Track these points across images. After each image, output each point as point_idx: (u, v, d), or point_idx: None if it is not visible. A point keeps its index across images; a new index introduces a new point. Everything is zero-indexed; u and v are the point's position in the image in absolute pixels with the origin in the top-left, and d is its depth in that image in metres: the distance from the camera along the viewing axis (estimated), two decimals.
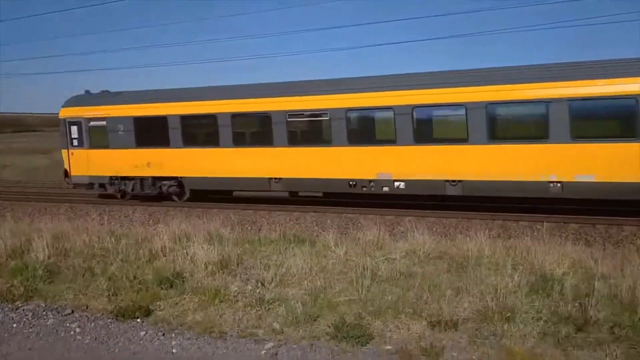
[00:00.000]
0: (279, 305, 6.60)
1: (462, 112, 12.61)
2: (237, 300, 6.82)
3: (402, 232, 10.27)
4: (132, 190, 16.93)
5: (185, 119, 15.71)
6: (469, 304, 6.41)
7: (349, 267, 7.97)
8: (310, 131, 14.82)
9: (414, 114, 13.16)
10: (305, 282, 7.23)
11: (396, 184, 13.51)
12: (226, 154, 15.23)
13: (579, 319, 5.70)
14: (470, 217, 12.91)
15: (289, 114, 14.41)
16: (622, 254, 8.12)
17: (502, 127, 13.04)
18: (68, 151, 17.67)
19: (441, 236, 10.75)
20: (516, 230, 11.20)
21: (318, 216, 13.97)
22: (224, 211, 15.14)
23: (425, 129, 13.48)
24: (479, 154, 12.55)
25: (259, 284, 7.19)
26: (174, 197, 16.65)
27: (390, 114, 13.45)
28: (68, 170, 17.76)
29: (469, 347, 5.57)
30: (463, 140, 12.72)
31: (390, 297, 6.69)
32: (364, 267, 7.65)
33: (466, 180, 12.78)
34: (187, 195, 16.43)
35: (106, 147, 17.01)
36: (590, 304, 5.88)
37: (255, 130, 15.68)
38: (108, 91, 18.53)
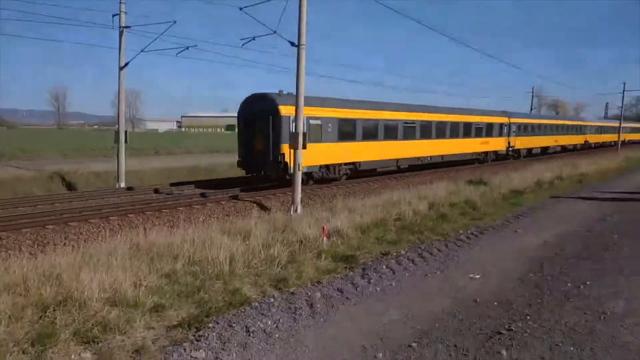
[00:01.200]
0: None
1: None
2: None
3: None
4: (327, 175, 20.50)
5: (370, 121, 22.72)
6: None
7: None
8: None
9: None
10: None
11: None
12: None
13: None
14: None
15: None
16: None
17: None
18: (284, 144, 17.68)
19: None
20: None
21: None
22: None
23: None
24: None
25: None
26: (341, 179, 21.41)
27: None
28: (288, 163, 17.63)
29: None
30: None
31: None
32: None
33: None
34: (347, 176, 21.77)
35: (322, 139, 19.80)
36: None
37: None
38: (291, 93, 17.96)
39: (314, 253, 8.43)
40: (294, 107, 16.38)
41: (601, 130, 60.05)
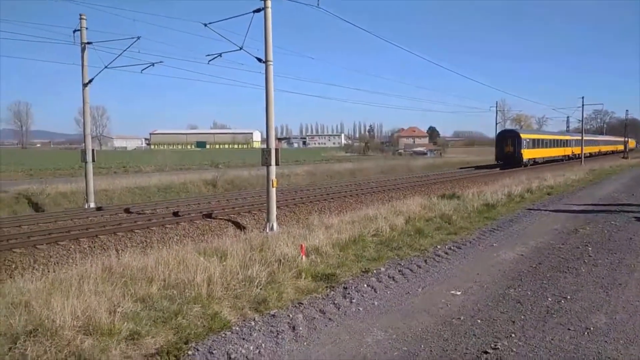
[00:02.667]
0: None
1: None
2: None
3: None
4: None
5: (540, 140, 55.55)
6: None
7: None
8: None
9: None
10: None
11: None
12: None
13: None
14: None
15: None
16: None
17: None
18: (523, 150, 47.53)
19: None
20: None
21: None
22: None
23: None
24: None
25: None
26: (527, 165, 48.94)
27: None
28: (522, 155, 47.47)
29: None
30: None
31: None
32: None
33: None
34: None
35: (533, 148, 51.28)
36: None
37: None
38: (523, 130, 60.37)
39: (294, 272, 8.26)
40: (526, 134, 52.10)
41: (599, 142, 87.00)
